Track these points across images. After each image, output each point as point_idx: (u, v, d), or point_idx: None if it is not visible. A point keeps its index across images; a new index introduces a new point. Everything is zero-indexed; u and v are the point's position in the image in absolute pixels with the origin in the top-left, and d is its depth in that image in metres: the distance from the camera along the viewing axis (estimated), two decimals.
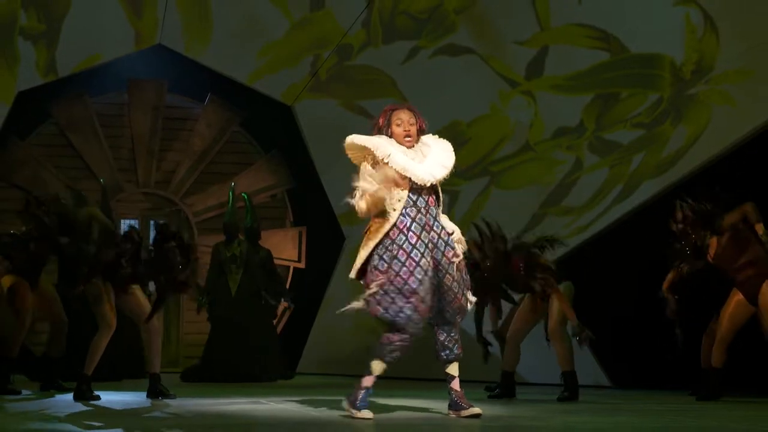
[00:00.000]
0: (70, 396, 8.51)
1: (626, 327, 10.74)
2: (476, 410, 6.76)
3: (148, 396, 8.50)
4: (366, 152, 6.78)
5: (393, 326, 6.59)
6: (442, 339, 6.81)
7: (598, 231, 11.17)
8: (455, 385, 6.85)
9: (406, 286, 6.55)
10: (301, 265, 13.44)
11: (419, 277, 6.57)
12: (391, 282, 6.57)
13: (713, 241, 8.87)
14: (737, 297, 8.89)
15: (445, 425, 6.45)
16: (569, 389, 8.73)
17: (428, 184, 6.72)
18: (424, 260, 6.61)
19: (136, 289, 8.59)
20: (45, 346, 9.70)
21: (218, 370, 11.11)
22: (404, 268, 6.57)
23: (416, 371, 11.42)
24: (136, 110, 13.35)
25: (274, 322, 12.83)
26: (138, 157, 13.37)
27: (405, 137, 6.81)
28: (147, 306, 8.61)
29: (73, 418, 6.74)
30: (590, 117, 11.44)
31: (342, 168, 12.56)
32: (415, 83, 12.14)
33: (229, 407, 7.58)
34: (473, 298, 6.87)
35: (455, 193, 11.84)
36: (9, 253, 8.95)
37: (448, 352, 6.82)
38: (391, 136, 6.83)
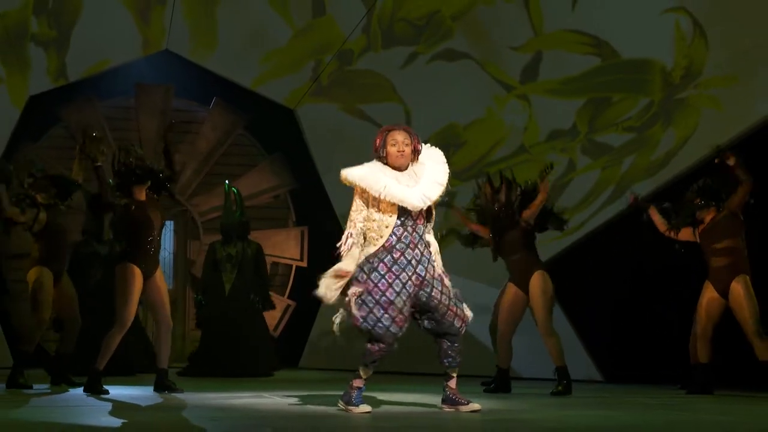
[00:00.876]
0: (80, 390, 8.56)
1: (618, 324, 10.80)
2: (476, 406, 6.85)
3: (154, 390, 8.53)
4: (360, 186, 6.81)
5: (372, 336, 6.65)
6: (444, 348, 6.88)
7: (590, 230, 11.21)
8: (452, 383, 6.95)
9: (383, 298, 6.62)
10: (303, 264, 13.48)
11: (397, 289, 6.64)
12: (369, 293, 6.64)
13: (707, 217, 8.98)
14: (709, 292, 8.98)
15: (443, 419, 6.51)
16: (562, 384, 8.79)
17: (422, 209, 6.79)
18: (404, 274, 6.68)
19: (159, 279, 8.63)
20: (57, 342, 9.75)
21: (212, 365, 11.13)
22: (383, 280, 6.65)
23: (417, 366, 11.49)
24: (144, 114, 13.38)
25: (276, 319, 12.92)
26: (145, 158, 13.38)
27: (399, 156, 6.81)
28: (167, 298, 8.69)
29: (81, 411, 6.79)
30: (583, 120, 11.48)
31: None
32: (413, 87, 12.18)
33: (233, 401, 7.62)
34: (469, 313, 6.89)
35: (452, 193, 11.86)
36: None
37: (450, 360, 6.90)
38: (385, 156, 6.86)
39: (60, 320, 9.41)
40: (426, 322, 6.85)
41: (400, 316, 6.62)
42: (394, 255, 6.70)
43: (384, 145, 6.88)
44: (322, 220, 13.19)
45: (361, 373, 6.81)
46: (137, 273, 8.42)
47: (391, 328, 6.60)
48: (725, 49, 10.66)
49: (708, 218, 9.05)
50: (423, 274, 6.74)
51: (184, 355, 12.47)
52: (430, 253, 6.83)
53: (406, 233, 6.76)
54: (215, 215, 13.22)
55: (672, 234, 9.27)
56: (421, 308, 6.78)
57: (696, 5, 10.75)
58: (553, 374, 8.94)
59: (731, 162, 8.73)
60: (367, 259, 6.74)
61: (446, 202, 8.44)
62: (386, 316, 6.60)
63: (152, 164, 8.80)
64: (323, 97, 12.66)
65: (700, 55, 10.77)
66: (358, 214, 6.83)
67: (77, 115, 13.16)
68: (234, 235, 11.57)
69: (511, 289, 9.09)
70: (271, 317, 12.46)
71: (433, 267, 6.80)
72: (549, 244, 9.79)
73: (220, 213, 12.50)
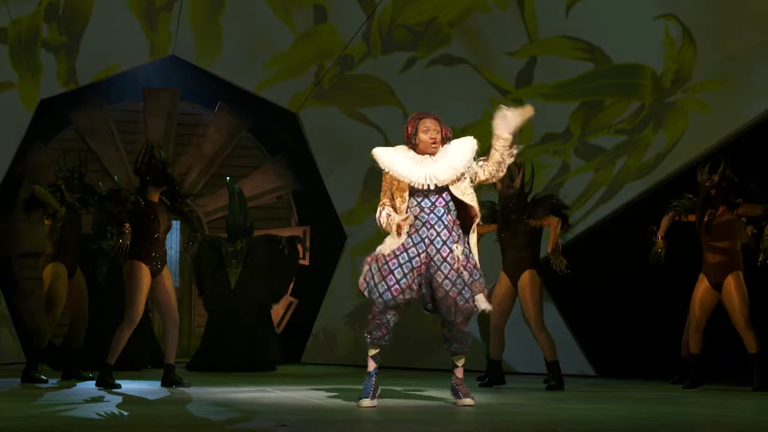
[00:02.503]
0: (90, 384, 8.59)
1: (611, 320, 10.82)
2: (468, 401, 6.89)
3: (162, 385, 8.56)
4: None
5: (372, 302, 6.78)
6: (446, 333, 6.95)
7: (583, 230, 11.24)
8: (458, 372, 6.99)
9: (385, 266, 6.72)
10: (306, 262, 13.50)
11: (401, 261, 6.71)
12: (376, 261, 6.76)
13: (715, 210, 9.00)
14: (704, 284, 9.01)
15: (438, 413, 6.53)
16: (555, 378, 8.82)
17: (427, 187, 6.78)
18: (413, 249, 6.74)
19: (166, 278, 8.68)
20: (65, 338, 9.78)
21: (217, 359, 11.16)
22: (389, 251, 6.74)
23: (417, 361, 11.52)
24: (151, 117, 13.41)
25: (279, 315, 12.94)
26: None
27: (432, 144, 6.88)
28: (174, 296, 8.73)
29: (91, 405, 6.82)
30: (576, 123, 11.49)
31: (343, 171, 12.74)
32: (412, 91, 12.20)
33: (237, 395, 7.65)
34: (485, 305, 6.88)
35: None
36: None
37: (450, 345, 6.97)
38: (417, 143, 6.90)
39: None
40: (429, 303, 6.90)
41: (396, 286, 6.69)
42: (408, 230, 6.75)
43: (416, 131, 6.91)
44: (324, 220, 13.22)
45: (369, 351, 6.86)
46: (145, 271, 8.47)
47: (384, 296, 6.69)
48: (713, 55, 10.69)
49: (715, 213, 9.04)
50: (433, 254, 6.76)
51: (190, 351, 12.50)
52: (451, 237, 6.80)
53: (423, 213, 6.79)
54: (220, 215, 13.25)
55: (680, 218, 9.25)
56: (428, 286, 6.82)
57: (685, 12, 10.78)
58: (546, 369, 8.96)
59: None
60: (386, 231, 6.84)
61: None
62: (383, 283, 6.69)
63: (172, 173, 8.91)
64: (325, 101, 12.68)
65: (689, 61, 10.80)
66: (384, 193, 6.93)
67: (86, 118, 13.19)
68: (239, 234, 11.62)
69: (504, 280, 9.10)
70: (275, 314, 12.50)
71: (449, 250, 6.77)
72: (543, 243, 9.76)
73: (225, 213, 12.54)
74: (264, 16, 12.42)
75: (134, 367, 10.51)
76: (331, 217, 12.98)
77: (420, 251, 6.75)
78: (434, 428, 5.56)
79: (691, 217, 9.16)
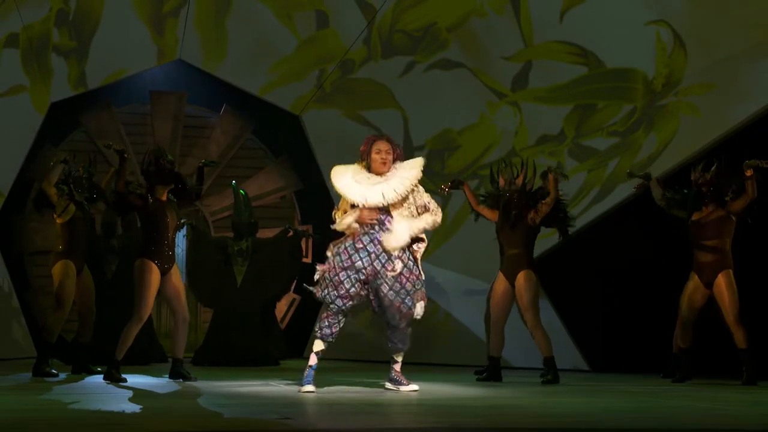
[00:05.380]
0: (99, 378, 8.62)
1: (604, 316, 10.85)
2: (413, 386, 7.63)
3: (170, 378, 8.59)
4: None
5: (326, 307, 7.58)
6: (390, 334, 7.69)
7: (577, 230, 11.25)
8: (396, 366, 7.74)
9: (336, 277, 7.50)
10: (308, 260, 13.51)
11: (350, 273, 7.46)
12: (329, 272, 7.56)
13: (706, 209, 9.02)
14: (694, 281, 9.04)
15: (437, 406, 6.56)
16: (551, 372, 8.85)
17: (381, 205, 7.54)
18: (360, 263, 7.51)
19: (175, 275, 8.71)
20: (75, 333, 9.80)
21: (223, 353, 11.18)
22: (341, 263, 7.53)
23: (417, 357, 11.55)
24: (158, 119, 13.42)
25: (282, 312, 12.95)
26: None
27: (382, 164, 7.62)
28: (183, 293, 8.76)
29: (102, 398, 6.85)
30: (570, 125, 11.51)
31: None
32: (411, 95, 12.21)
33: (242, 389, 7.68)
34: (419, 311, 7.63)
35: (448, 194, 11.92)
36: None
37: (394, 344, 7.71)
38: (371, 163, 7.64)
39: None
40: (377, 308, 7.67)
41: (347, 294, 7.47)
42: (357, 245, 7.54)
43: (369, 152, 7.65)
44: (325, 220, 13.21)
45: (314, 345, 7.58)
46: (154, 269, 8.50)
47: (336, 302, 7.48)
48: (703, 59, 10.71)
49: (706, 212, 9.06)
50: (378, 267, 7.50)
51: (196, 346, 12.54)
52: (395, 252, 7.52)
53: (372, 230, 7.56)
54: (225, 215, 13.26)
55: (666, 207, 9.27)
56: (375, 294, 7.57)
57: (676, 18, 10.80)
58: (542, 364, 8.99)
59: (749, 173, 8.78)
60: (335, 243, 7.66)
61: (456, 184, 9.30)
62: (334, 292, 7.48)
63: (179, 171, 9.00)
64: (327, 104, 12.70)
65: (679, 65, 10.83)
66: (340, 208, 7.89)
67: (96, 120, 13.21)
68: (245, 232, 11.65)
69: (502, 280, 9.13)
70: (278, 311, 12.53)
71: (393, 264, 7.50)
72: (539, 241, 9.80)
73: (230, 212, 12.55)
74: (268, 21, 12.44)
75: (141, 362, 10.52)
76: (332, 217, 12.96)
77: (366, 265, 7.50)
78: (435, 419, 5.59)
79: (679, 212, 9.18)
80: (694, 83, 10.75)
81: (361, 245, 7.53)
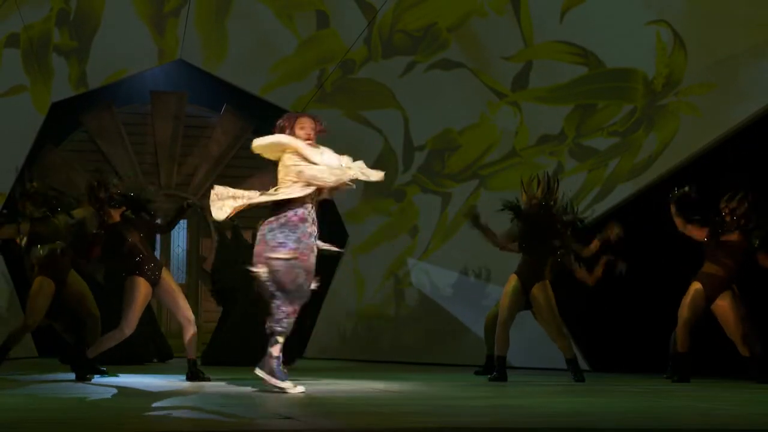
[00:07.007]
0: (99, 378, 8.57)
1: (604, 317, 10.83)
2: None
3: (187, 379, 8.55)
4: (286, 149, 7.27)
5: (288, 297, 7.23)
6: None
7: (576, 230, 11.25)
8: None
9: (308, 263, 7.21)
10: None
11: (313, 259, 7.21)
12: (297, 259, 7.13)
13: (729, 235, 9.05)
14: (696, 287, 9.05)
15: (439, 406, 6.55)
16: (575, 373, 9.00)
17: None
18: (312, 244, 7.26)
19: (168, 280, 8.68)
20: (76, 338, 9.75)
21: (230, 355, 11.15)
22: (306, 249, 7.19)
23: (417, 357, 11.54)
24: (159, 119, 13.42)
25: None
26: (160, 161, 13.46)
27: (306, 140, 7.34)
28: (181, 295, 8.73)
29: (102, 398, 6.84)
30: (570, 125, 11.51)
31: None
32: (411, 95, 12.21)
33: (244, 389, 7.66)
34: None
35: (448, 195, 11.92)
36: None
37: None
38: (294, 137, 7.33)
39: (49, 324, 9.35)
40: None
41: (311, 282, 7.28)
42: (308, 229, 7.28)
43: (292, 127, 7.37)
44: (326, 219, 13.18)
45: (279, 338, 7.44)
46: (142, 284, 8.53)
47: (306, 295, 7.31)
48: (703, 59, 10.71)
49: (730, 236, 9.09)
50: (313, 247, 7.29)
51: (199, 346, 12.51)
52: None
53: (313, 211, 7.34)
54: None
55: (686, 230, 9.28)
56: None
57: (676, 18, 10.80)
58: (566, 366, 9.14)
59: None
60: (288, 227, 7.21)
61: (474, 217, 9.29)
62: (305, 280, 7.22)
63: (128, 191, 8.96)
64: (327, 104, 12.69)
65: (679, 65, 10.82)
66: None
67: (97, 120, 13.21)
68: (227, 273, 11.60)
69: (517, 283, 9.13)
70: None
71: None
72: None
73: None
74: (268, 21, 12.44)
75: (138, 361, 10.49)
76: (333, 216, 12.97)
77: (313, 245, 7.27)
78: (435, 419, 5.58)
79: (695, 233, 9.17)
80: (694, 83, 10.74)
81: (310, 227, 7.30)
